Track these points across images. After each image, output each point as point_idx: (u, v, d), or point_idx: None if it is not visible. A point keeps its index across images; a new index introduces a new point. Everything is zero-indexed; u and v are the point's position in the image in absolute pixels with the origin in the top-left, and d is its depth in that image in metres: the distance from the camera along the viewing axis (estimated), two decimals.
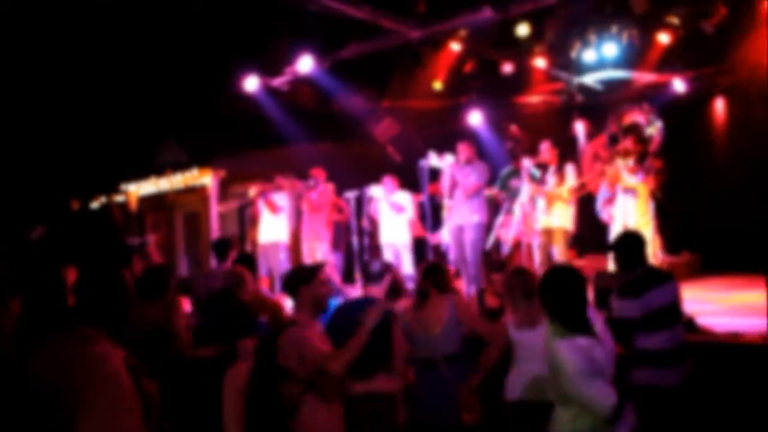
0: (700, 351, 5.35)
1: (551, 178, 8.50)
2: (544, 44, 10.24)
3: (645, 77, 10.82)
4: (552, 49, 10.28)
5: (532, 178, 8.73)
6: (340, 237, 10.82)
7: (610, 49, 9.76)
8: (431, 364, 4.72)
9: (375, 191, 9.81)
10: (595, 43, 9.82)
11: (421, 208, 9.71)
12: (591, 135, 11.50)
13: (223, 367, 2.82)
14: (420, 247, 9.81)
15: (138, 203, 14.19)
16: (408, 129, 12.52)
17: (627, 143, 7.85)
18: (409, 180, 9.83)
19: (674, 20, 9.40)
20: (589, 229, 10.18)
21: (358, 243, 10.05)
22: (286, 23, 8.71)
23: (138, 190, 14.09)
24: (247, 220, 11.75)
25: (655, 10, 9.13)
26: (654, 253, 8.10)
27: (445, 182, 8.78)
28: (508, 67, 10.85)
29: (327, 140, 12.71)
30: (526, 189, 8.48)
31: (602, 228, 9.44)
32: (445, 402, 4.62)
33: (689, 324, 5.80)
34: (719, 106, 11.43)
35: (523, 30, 9.66)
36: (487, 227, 9.12)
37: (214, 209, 12.73)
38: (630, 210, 7.93)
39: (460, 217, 8.67)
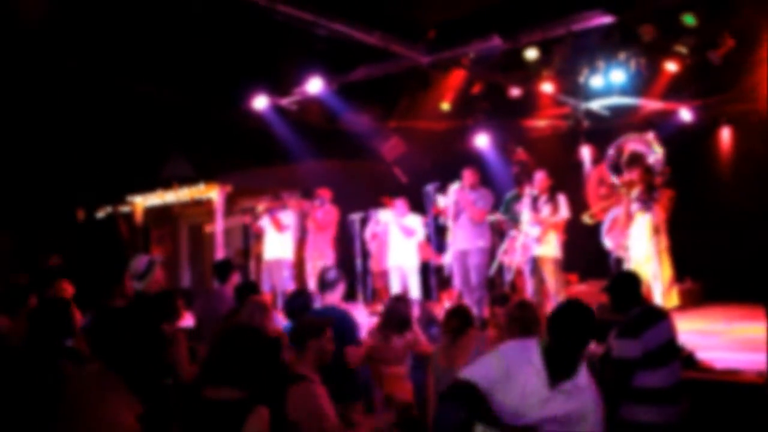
0: (699, 388, 5.41)
1: (545, 207, 8.56)
2: (552, 69, 10.28)
3: (651, 105, 10.87)
4: (560, 74, 10.31)
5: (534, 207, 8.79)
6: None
7: (618, 75, 9.81)
8: None
9: (383, 215, 9.88)
10: (603, 69, 9.86)
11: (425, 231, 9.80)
12: (597, 160, 11.54)
13: (243, 411, 2.83)
14: (423, 269, 9.87)
15: (143, 215, 14.28)
16: (415, 149, 12.58)
17: (633, 175, 7.89)
18: (415, 201, 9.92)
19: (682, 49, 9.44)
20: (592, 255, 10.26)
21: (361, 264, 10.12)
22: (295, 44, 8.78)
23: (144, 202, 14.18)
24: (251, 234, 11.81)
25: (663, 39, 9.17)
26: (665, 283, 8.14)
27: (449, 207, 8.87)
28: (515, 91, 10.92)
29: (333, 158, 12.76)
30: (526, 216, 8.55)
31: (605, 254, 9.53)
32: None
33: (689, 359, 5.86)
34: (725, 135, 11.47)
35: (531, 54, 9.72)
36: (491, 252, 9.19)
37: (220, 224, 12.80)
38: (639, 240, 7.97)
39: (465, 242, 8.74)
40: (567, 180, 9.50)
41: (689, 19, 8.52)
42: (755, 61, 9.42)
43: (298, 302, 5.60)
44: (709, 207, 10.85)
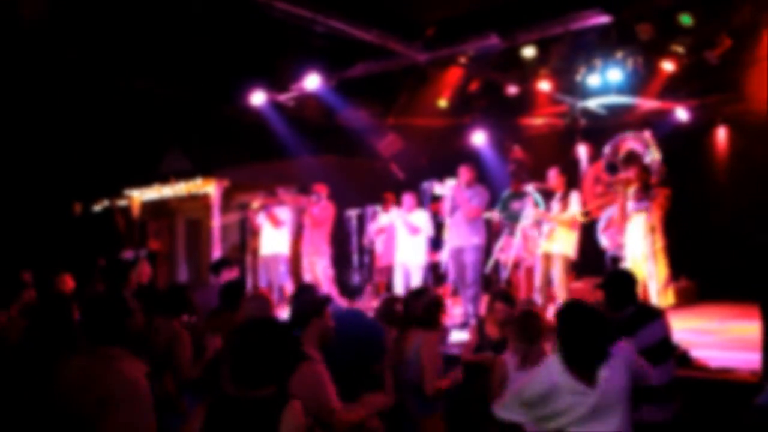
0: (693, 386, 5.45)
1: (556, 205, 8.56)
2: (549, 67, 10.33)
3: (648, 104, 10.89)
4: (557, 72, 10.35)
5: (536, 205, 8.80)
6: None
7: (615, 74, 9.85)
8: None
9: (385, 218, 9.87)
10: (600, 68, 9.91)
11: None
12: (593, 158, 11.59)
13: (278, 406, 2.86)
14: None
15: (141, 209, 14.27)
16: (412, 146, 12.60)
17: (629, 173, 7.90)
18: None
19: (679, 49, 9.48)
20: (588, 252, 10.30)
21: (358, 260, 10.15)
22: (294, 41, 8.80)
23: (141, 195, 14.17)
24: (248, 229, 11.82)
25: (660, 38, 9.21)
26: (660, 282, 8.15)
27: (446, 203, 8.89)
28: (512, 89, 10.95)
29: (330, 154, 12.77)
30: (530, 213, 8.55)
31: (601, 252, 9.57)
32: None
33: (683, 358, 5.90)
34: (721, 135, 11.49)
35: (528, 52, 9.75)
36: (486, 249, 9.22)
37: (217, 219, 12.81)
38: (635, 239, 7.99)
39: (460, 239, 8.76)
40: (569, 182, 9.51)
41: (686, 19, 8.55)
42: (752, 60, 9.46)
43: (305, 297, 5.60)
44: (705, 206, 10.88)
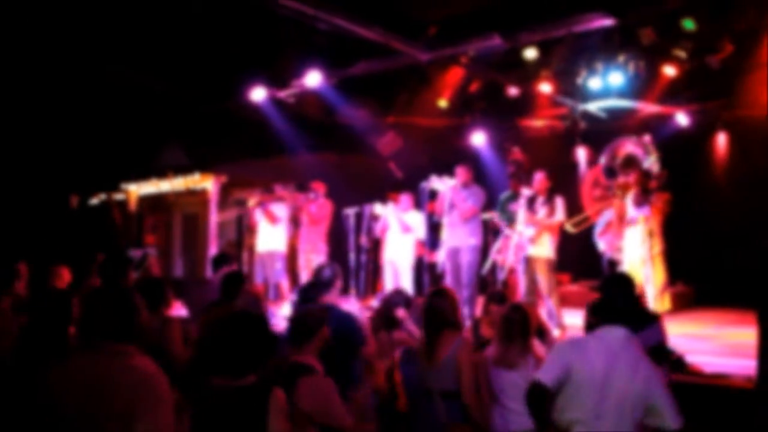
0: (688, 391, 5.46)
1: (541, 209, 8.58)
2: (551, 69, 10.32)
3: (649, 108, 10.89)
4: (558, 74, 10.35)
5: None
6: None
7: (616, 78, 9.83)
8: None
9: (380, 209, 9.90)
10: (602, 71, 9.89)
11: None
12: (592, 162, 11.63)
13: (262, 394, 2.93)
14: (416, 266, 9.91)
15: (138, 203, 14.27)
16: (411, 145, 12.60)
17: (629, 178, 7.92)
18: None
19: (681, 54, 9.46)
20: (585, 256, 10.32)
21: (355, 260, 10.16)
22: (295, 38, 8.79)
23: (138, 189, 14.17)
24: (245, 226, 11.82)
25: (662, 42, 9.21)
26: (657, 286, 8.17)
27: (444, 203, 8.91)
28: (513, 90, 10.96)
29: (329, 152, 12.77)
30: (521, 216, 8.57)
31: (598, 255, 9.59)
32: None
33: (678, 362, 5.91)
34: (721, 140, 11.50)
35: (530, 54, 9.74)
36: (483, 250, 9.23)
37: (214, 215, 12.81)
38: (633, 243, 8.00)
39: (457, 240, 8.79)
40: (562, 181, 9.52)
41: (689, 24, 8.54)
42: (753, 66, 9.47)
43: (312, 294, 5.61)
44: (704, 211, 10.90)
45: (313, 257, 10.21)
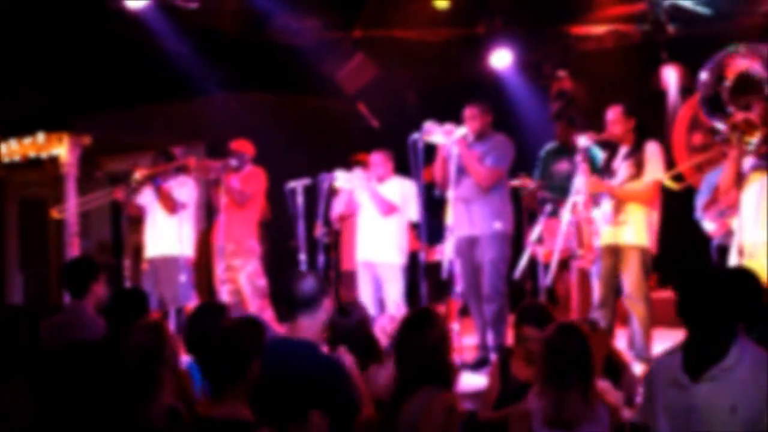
0: None
1: (623, 166, 8.53)
2: None
3: None
4: None
5: (593, 165, 8.76)
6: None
7: None
8: None
9: (342, 179, 9.85)
10: None
11: None
12: (688, 89, 11.60)
13: None
14: (409, 269, 9.88)
15: None
16: (392, 75, 12.56)
17: (750, 113, 7.86)
18: (394, 159, 9.90)
19: None
20: (682, 242, 10.30)
21: (308, 263, 10.11)
22: None
23: None
24: (125, 217, 11.75)
25: None
26: None
27: (448, 165, 8.85)
28: None
29: (259, 90, 12.84)
30: (581, 181, 8.52)
31: (703, 242, 9.56)
32: None
33: None
34: None
35: None
36: (516, 239, 9.19)
37: (73, 200, 12.70)
38: (756, 218, 7.96)
39: (472, 224, 8.81)
40: (641, 121, 9.48)
41: None
42: None
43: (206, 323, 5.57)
44: None
45: (239, 263, 10.20)
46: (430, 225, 9.51)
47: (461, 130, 8.83)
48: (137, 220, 10.99)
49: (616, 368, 5.98)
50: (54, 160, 13.00)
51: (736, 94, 8.14)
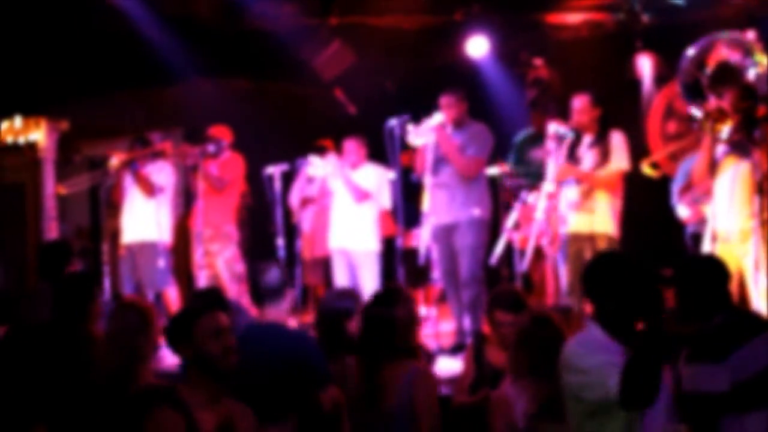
0: None
1: (588, 154, 8.56)
2: None
3: None
4: None
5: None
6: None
7: None
8: None
9: (317, 165, 9.87)
10: None
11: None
12: (663, 77, 11.64)
13: None
14: (385, 255, 9.91)
15: None
16: (369, 62, 12.56)
17: (723, 101, 7.90)
18: (371, 145, 9.92)
19: None
20: (658, 229, 10.36)
21: (285, 247, 10.14)
22: None
23: None
24: (103, 203, 11.74)
25: None
26: None
27: (426, 154, 8.89)
28: None
29: (236, 77, 12.88)
30: (553, 167, 8.56)
31: (677, 229, 9.62)
32: None
33: None
34: None
35: None
36: (493, 226, 9.23)
37: (50, 184, 12.68)
38: (730, 206, 8.01)
39: (449, 211, 8.85)
40: (615, 110, 9.52)
41: None
42: None
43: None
44: None
45: (217, 248, 10.26)
46: (407, 210, 9.56)
47: (437, 117, 8.86)
48: (115, 204, 10.98)
49: None
50: (32, 145, 12.98)
51: (716, 82, 8.19)
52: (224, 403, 4.41)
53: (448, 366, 7.84)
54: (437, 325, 9.38)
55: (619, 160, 8.55)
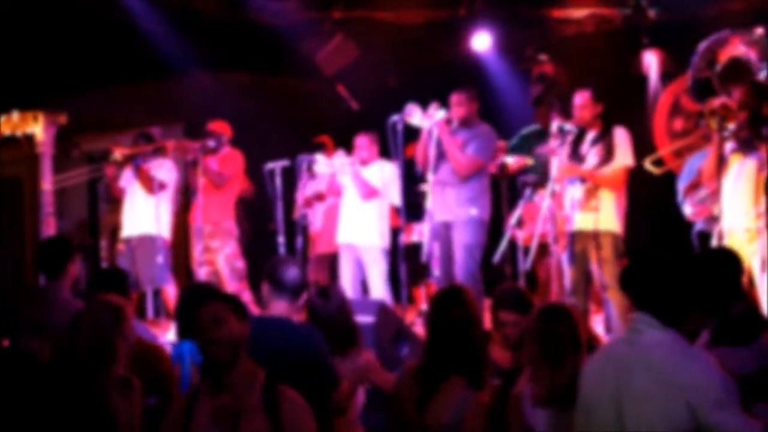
0: None
1: (592, 151, 8.51)
2: None
3: None
4: None
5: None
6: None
7: None
8: None
9: (323, 163, 9.83)
10: None
11: None
12: (670, 74, 11.59)
13: None
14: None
15: None
16: (372, 57, 12.53)
17: (731, 98, 7.85)
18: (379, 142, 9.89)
19: None
20: (664, 227, 10.30)
21: (286, 246, 10.09)
22: None
23: None
24: (102, 197, 11.68)
25: None
26: None
27: (429, 148, 8.83)
28: None
29: (237, 70, 12.85)
30: (557, 164, 8.50)
31: (683, 227, 9.56)
32: None
33: None
34: None
35: None
36: (495, 222, 9.17)
37: (48, 179, 12.62)
38: (738, 204, 7.97)
39: (448, 209, 8.84)
40: (621, 106, 9.46)
41: None
42: None
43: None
44: None
45: (217, 244, 10.29)
46: (409, 203, 9.55)
47: (441, 113, 8.84)
48: (114, 200, 10.94)
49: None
50: (29, 139, 12.91)
51: (725, 79, 8.13)
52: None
53: None
54: None
55: (624, 156, 8.51)
